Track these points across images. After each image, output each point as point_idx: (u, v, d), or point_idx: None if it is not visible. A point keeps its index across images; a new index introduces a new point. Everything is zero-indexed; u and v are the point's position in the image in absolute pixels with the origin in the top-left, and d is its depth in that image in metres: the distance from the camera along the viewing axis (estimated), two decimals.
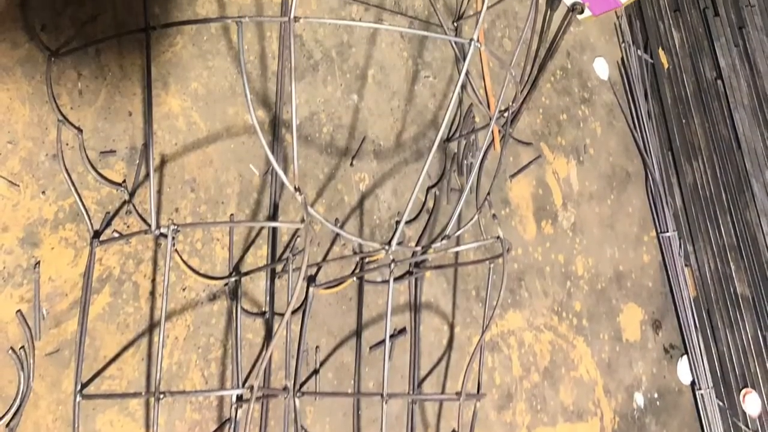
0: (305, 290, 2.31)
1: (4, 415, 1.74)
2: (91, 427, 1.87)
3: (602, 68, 3.73)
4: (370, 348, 2.46)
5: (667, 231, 3.67)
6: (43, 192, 1.88)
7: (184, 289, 2.08)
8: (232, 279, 2.16)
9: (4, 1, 1.89)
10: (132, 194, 2.03)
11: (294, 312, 2.28)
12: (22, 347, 1.79)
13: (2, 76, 1.86)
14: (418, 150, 2.77)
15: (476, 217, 2.23)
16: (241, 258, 2.22)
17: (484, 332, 2.09)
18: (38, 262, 1.84)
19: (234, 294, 2.16)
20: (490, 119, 1.92)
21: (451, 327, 2.73)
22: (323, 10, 2.61)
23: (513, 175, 3.09)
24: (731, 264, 3.66)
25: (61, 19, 1.98)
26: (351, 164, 2.54)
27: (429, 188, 2.77)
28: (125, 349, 1.96)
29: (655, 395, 3.47)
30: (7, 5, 1.90)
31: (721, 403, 3.60)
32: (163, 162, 2.11)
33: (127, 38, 2.10)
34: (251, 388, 1.55)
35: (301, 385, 2.26)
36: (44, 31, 1.94)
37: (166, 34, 2.21)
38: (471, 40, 1.66)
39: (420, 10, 2.92)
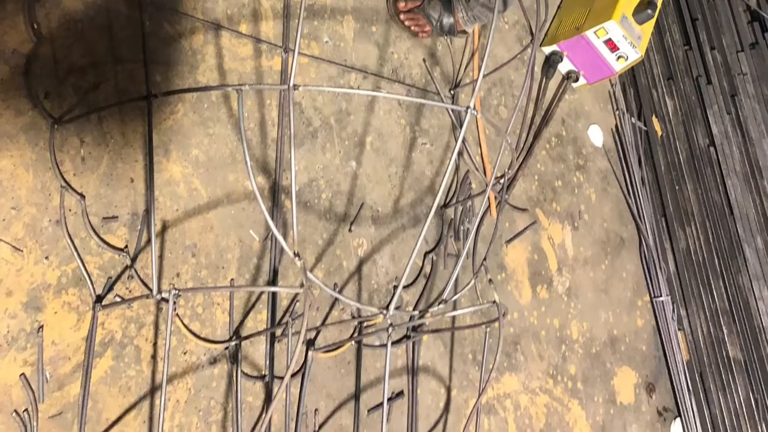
0: (304, 354, 2.31)
1: None
2: None
3: (597, 135, 3.76)
4: (369, 411, 2.47)
5: (661, 296, 3.69)
6: (47, 257, 1.90)
7: (185, 353, 2.09)
8: (233, 343, 2.17)
9: (7, 69, 1.92)
10: (134, 259, 2.04)
11: (293, 375, 2.28)
12: (26, 410, 1.80)
13: (6, 143, 1.88)
14: (415, 216, 2.79)
15: (473, 281, 2.23)
16: (242, 322, 2.23)
17: (481, 395, 2.10)
18: (41, 326, 1.85)
19: (234, 357, 2.17)
20: (487, 185, 1.94)
21: (448, 390, 2.74)
22: (322, 78, 2.64)
23: (509, 241, 3.12)
24: (724, 328, 3.68)
25: (63, 87, 2.01)
26: (349, 230, 2.56)
27: (426, 253, 2.79)
28: (127, 411, 1.97)
29: None
30: (10, 73, 1.92)
31: None
32: (164, 228, 2.13)
33: (129, 106, 2.13)
34: None
35: None
36: (47, 99, 1.97)
37: (168, 101, 2.24)
38: (467, 107, 1.66)
39: (417, 78, 2.96)
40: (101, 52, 2.10)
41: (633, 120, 3.93)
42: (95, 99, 2.07)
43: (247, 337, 2.20)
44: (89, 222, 1.97)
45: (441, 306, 1.99)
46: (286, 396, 2.24)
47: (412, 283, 2.71)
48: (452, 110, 3.03)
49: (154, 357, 2.03)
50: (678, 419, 3.68)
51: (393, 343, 2.53)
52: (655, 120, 4.01)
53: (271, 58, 2.51)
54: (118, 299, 1.98)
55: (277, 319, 2.31)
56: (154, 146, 2.15)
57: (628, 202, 3.77)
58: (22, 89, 1.94)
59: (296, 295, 2.35)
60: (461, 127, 1.77)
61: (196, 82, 2.31)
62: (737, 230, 3.80)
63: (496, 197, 3.08)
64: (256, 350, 2.25)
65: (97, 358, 1.93)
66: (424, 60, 3.01)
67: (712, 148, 3.96)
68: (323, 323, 2.41)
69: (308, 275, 1.62)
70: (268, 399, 2.23)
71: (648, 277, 3.73)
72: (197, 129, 2.27)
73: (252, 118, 2.42)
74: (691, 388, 3.67)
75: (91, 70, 2.07)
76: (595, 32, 3.38)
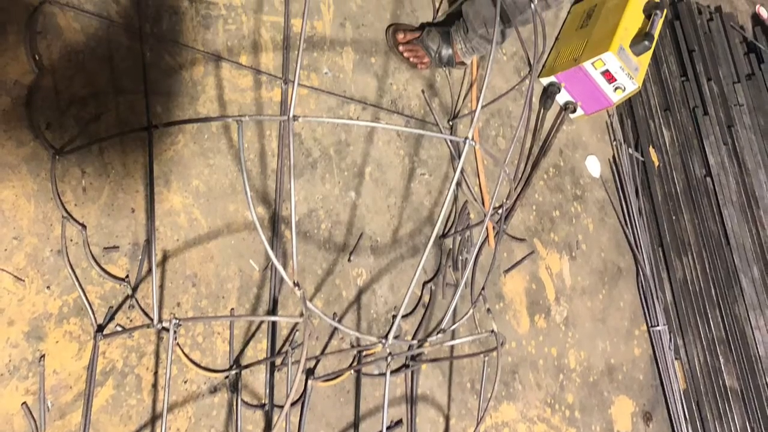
0: (304, 383, 2.32)
1: None
2: None
3: (594, 166, 3.78)
4: None
5: (658, 325, 3.69)
6: (48, 287, 1.91)
7: (185, 382, 2.10)
8: (233, 372, 2.18)
9: (9, 100, 1.94)
10: (135, 289, 2.06)
11: (293, 404, 2.29)
12: None
13: (8, 173, 1.90)
14: (414, 246, 2.80)
15: (471, 311, 2.24)
16: (242, 351, 2.24)
17: (479, 424, 2.11)
18: (43, 356, 1.86)
19: (234, 386, 2.18)
20: (485, 216, 1.94)
21: (447, 419, 2.74)
22: (322, 110, 2.66)
23: (507, 271, 3.13)
24: (720, 357, 3.69)
25: (65, 118, 2.03)
26: (349, 260, 2.57)
27: (425, 283, 2.80)
28: None
29: None
30: (12, 104, 1.94)
31: None
32: (165, 257, 2.15)
33: (130, 136, 2.15)
34: None
35: None
36: (49, 130, 1.99)
37: (168, 132, 2.25)
38: (466, 138, 1.68)
39: (416, 109, 2.98)
40: (102, 83, 2.13)
41: (630, 150, 3.94)
42: (96, 130, 2.09)
43: (247, 366, 2.21)
44: (90, 252, 1.99)
45: (440, 335, 2.00)
46: (286, 425, 2.24)
47: (410, 313, 2.72)
48: (451, 141, 3.05)
49: (154, 386, 2.04)
50: None
51: (392, 372, 2.53)
52: (652, 150, 4.02)
53: (271, 90, 2.53)
54: (119, 329, 1.99)
55: (277, 348, 2.31)
56: (155, 177, 2.17)
57: (625, 232, 3.78)
58: (23, 120, 1.96)
59: (296, 324, 2.36)
60: (460, 157, 1.78)
61: (196, 113, 2.33)
62: (734, 260, 3.82)
63: (494, 227, 3.10)
64: (256, 379, 2.25)
65: (99, 387, 1.94)
66: (422, 91, 3.03)
67: (708, 179, 3.98)
68: (323, 352, 2.42)
69: (308, 305, 1.63)
70: (268, 428, 2.23)
71: (645, 306, 3.74)
72: (198, 160, 2.29)
73: (252, 148, 2.43)
74: (688, 417, 3.67)
75: (92, 101, 2.09)
76: (592, 63, 3.40)
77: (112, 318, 2.00)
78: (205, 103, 2.36)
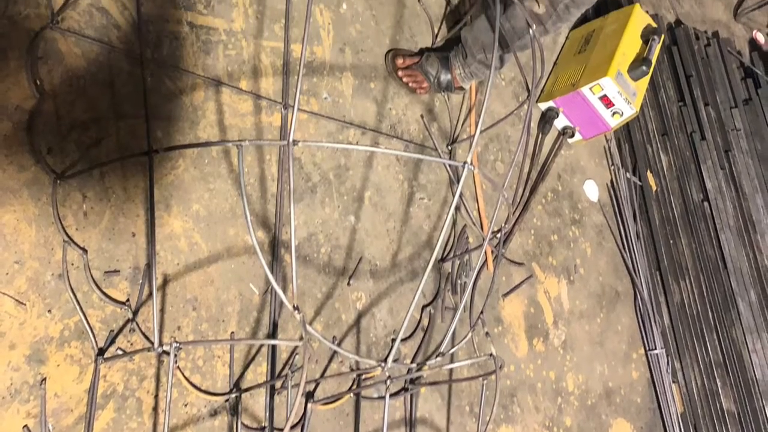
0: (304, 406, 2.32)
1: None
2: None
3: (592, 190, 3.79)
4: None
5: (656, 348, 3.70)
6: (49, 310, 1.92)
7: (186, 405, 2.10)
8: (233, 395, 2.18)
9: (10, 125, 1.95)
10: (135, 313, 2.06)
11: (293, 427, 2.29)
12: None
13: (9, 198, 1.91)
14: (413, 270, 2.81)
15: (470, 335, 2.24)
16: (242, 375, 2.24)
17: None
18: (44, 379, 1.87)
19: (234, 410, 2.18)
20: (483, 240, 1.95)
21: None
22: (321, 134, 2.68)
23: (505, 294, 3.13)
24: (717, 381, 3.69)
25: (66, 143, 2.04)
26: (348, 284, 2.58)
27: (424, 307, 2.80)
28: None
29: None
30: (13, 129, 1.96)
31: None
32: (165, 281, 2.15)
33: (131, 161, 2.16)
34: None
35: None
36: (50, 155, 2.00)
37: (169, 157, 2.27)
38: (465, 163, 1.68)
39: (415, 133, 3.00)
40: (103, 108, 2.14)
41: (628, 175, 3.95)
42: (97, 154, 2.10)
43: (247, 390, 2.21)
44: (91, 276, 2.00)
45: (438, 358, 2.01)
46: None
47: (410, 336, 2.72)
48: (449, 165, 3.06)
49: (155, 409, 2.04)
50: None
51: (391, 395, 2.54)
52: (649, 175, 4.03)
53: (270, 114, 2.54)
54: (119, 352, 1.99)
55: (277, 372, 2.32)
56: (155, 201, 2.18)
57: (623, 256, 3.79)
58: (24, 145, 1.97)
59: (296, 347, 2.36)
60: (458, 182, 1.79)
61: (196, 138, 2.34)
62: (731, 284, 3.83)
63: (492, 251, 3.11)
64: (256, 402, 2.25)
65: (99, 410, 1.94)
66: (421, 116, 3.04)
67: (706, 203, 4.00)
68: (322, 375, 2.42)
69: (307, 328, 1.63)
70: None
71: (643, 330, 3.74)
72: (198, 184, 2.30)
73: (252, 173, 2.45)
74: None
75: (93, 126, 2.11)
76: (590, 88, 3.42)
77: (113, 341, 2.00)
78: (205, 128, 2.38)
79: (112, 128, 2.15)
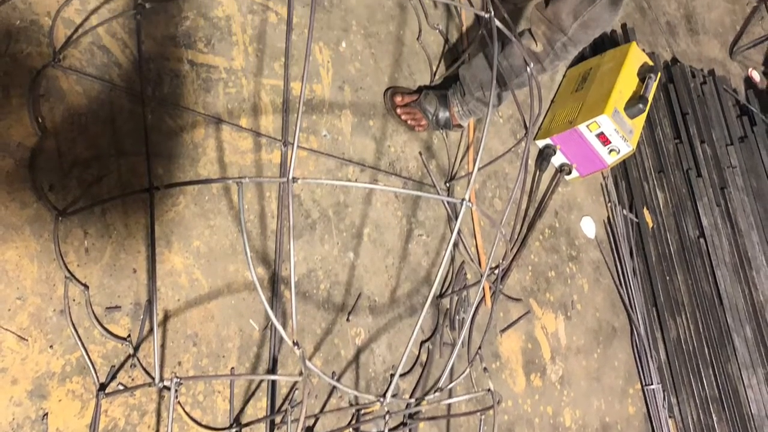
0: None
1: None
2: None
3: (589, 227, 3.81)
4: None
5: (652, 384, 3.70)
6: (51, 346, 1.93)
7: None
8: (233, 430, 2.19)
9: (12, 162, 1.97)
10: (136, 348, 2.07)
11: None
12: None
13: (12, 234, 1.93)
14: (411, 306, 2.82)
15: (468, 370, 2.24)
16: (242, 409, 2.25)
17: None
18: (46, 414, 1.88)
19: None
20: (481, 276, 1.95)
21: None
22: (321, 171, 2.70)
23: (503, 330, 3.14)
24: (713, 416, 3.69)
25: (67, 180, 2.06)
26: (347, 319, 2.59)
27: (422, 342, 2.81)
28: None
29: None
30: (15, 166, 1.98)
31: None
32: (166, 317, 2.17)
33: (132, 198, 2.18)
34: None
35: None
36: (51, 191, 2.02)
37: (170, 194, 2.28)
38: (463, 200, 1.70)
39: (414, 171, 3.02)
40: (104, 146, 2.16)
41: (625, 212, 3.96)
42: (98, 191, 2.12)
43: (247, 424, 2.22)
44: (93, 312, 2.01)
45: (437, 394, 2.01)
46: None
47: (408, 372, 2.73)
48: (448, 202, 3.08)
49: None
50: None
51: (390, 430, 2.53)
52: (646, 212, 4.05)
53: (270, 152, 2.56)
54: (121, 387, 2.00)
55: (277, 407, 2.32)
56: (156, 237, 2.20)
57: (619, 292, 3.80)
58: (26, 182, 1.99)
59: (295, 383, 2.37)
60: (457, 219, 1.79)
61: (197, 175, 2.36)
62: (726, 320, 3.84)
63: (490, 287, 3.12)
64: None
65: None
66: (420, 153, 3.06)
67: (702, 240, 4.01)
68: (322, 410, 2.43)
69: (307, 364, 1.64)
70: None
71: (639, 365, 3.74)
72: (198, 221, 2.32)
73: (252, 210, 2.46)
74: None
75: (94, 163, 2.13)
76: (587, 126, 3.44)
77: (114, 377, 2.01)
78: (205, 165, 2.40)
79: (113, 165, 2.17)
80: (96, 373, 1.97)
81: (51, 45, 2.14)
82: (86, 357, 1.96)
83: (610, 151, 3.50)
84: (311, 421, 2.39)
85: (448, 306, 2.95)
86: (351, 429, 2.47)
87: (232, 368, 2.27)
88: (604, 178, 4.02)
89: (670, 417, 3.74)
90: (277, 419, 2.30)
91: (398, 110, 2.99)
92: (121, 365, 2.05)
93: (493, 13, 1.99)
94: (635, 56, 3.69)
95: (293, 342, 1.56)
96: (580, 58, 4.04)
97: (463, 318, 2.93)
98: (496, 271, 2.58)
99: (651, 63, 3.73)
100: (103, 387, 1.98)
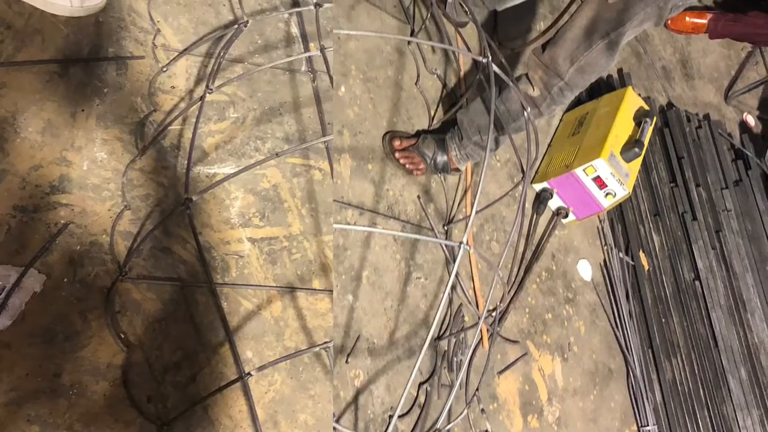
0: None
1: None
2: None
3: (586, 270, 3.83)
4: None
5: (648, 425, 3.70)
6: None
7: None
8: None
9: (107, 384, 2.01)
10: None
11: None
12: None
13: None
14: (410, 348, 2.84)
15: (465, 411, 2.26)
16: None
17: None
18: None
19: None
20: (479, 318, 1.97)
21: None
22: None
23: (501, 372, 3.16)
24: None
25: (163, 387, 2.09)
26: (346, 361, 2.60)
27: (421, 384, 2.83)
28: None
29: None
30: (111, 388, 2.01)
31: None
32: None
33: (229, 389, 2.21)
34: None
35: None
36: (150, 403, 2.05)
37: (264, 374, 2.32)
38: (460, 243, 1.70)
39: (412, 214, 3.04)
40: (190, 344, 2.21)
41: (621, 255, 3.99)
42: (195, 390, 2.16)
43: None
44: None
45: None
46: None
47: (407, 413, 2.74)
48: (446, 245, 3.09)
49: None
50: None
51: None
52: (642, 255, 4.07)
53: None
54: None
55: None
56: (261, 422, 2.23)
57: (616, 335, 3.81)
58: (124, 400, 2.02)
59: None
60: (454, 261, 1.82)
61: (285, 349, 2.40)
62: (722, 362, 3.86)
63: (488, 330, 3.13)
64: None
65: None
66: (418, 197, 3.09)
67: (697, 282, 4.04)
68: None
69: None
70: None
71: (635, 406, 3.75)
72: (299, 394, 2.36)
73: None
74: None
75: (185, 364, 2.17)
76: (584, 170, 3.48)
77: None
78: (291, 336, 2.43)
79: (203, 361, 2.22)
80: None
81: (115, 260, 2.17)
82: None
83: (607, 194, 3.53)
84: None
85: (446, 348, 2.96)
86: None
87: None
88: (600, 221, 4.04)
89: None
90: None
91: (396, 154, 3.02)
92: None
93: (490, 58, 2.03)
94: (631, 101, 3.72)
95: None
96: (577, 102, 4.08)
97: (461, 360, 2.95)
98: (494, 314, 2.60)
99: (647, 107, 3.76)
100: None
